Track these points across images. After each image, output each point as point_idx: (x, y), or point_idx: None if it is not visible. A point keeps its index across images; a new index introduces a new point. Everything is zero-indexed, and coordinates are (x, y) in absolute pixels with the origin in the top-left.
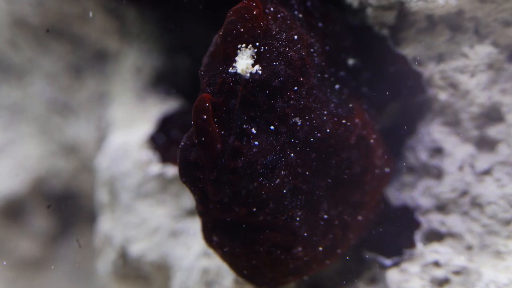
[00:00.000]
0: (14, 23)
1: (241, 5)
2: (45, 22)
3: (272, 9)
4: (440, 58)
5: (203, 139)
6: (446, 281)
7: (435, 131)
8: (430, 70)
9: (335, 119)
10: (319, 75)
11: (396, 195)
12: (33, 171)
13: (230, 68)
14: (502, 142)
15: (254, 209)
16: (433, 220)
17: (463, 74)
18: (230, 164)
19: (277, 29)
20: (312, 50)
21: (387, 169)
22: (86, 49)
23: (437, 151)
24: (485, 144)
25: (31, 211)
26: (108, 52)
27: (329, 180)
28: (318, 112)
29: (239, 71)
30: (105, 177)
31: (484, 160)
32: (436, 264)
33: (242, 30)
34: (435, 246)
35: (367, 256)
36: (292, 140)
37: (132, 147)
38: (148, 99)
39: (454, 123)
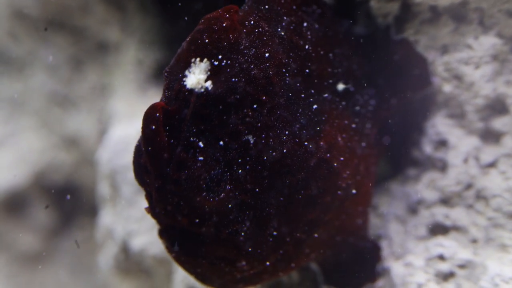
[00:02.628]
0: (14, 15)
1: (213, 15)
2: (46, 14)
3: (252, 22)
4: (444, 50)
5: (149, 148)
6: (451, 274)
7: (439, 124)
8: (435, 61)
9: (296, 140)
10: (290, 94)
11: (399, 189)
12: (34, 164)
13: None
14: (507, 135)
15: (197, 221)
16: (437, 213)
17: (468, 65)
18: (174, 175)
19: (247, 44)
20: (284, 70)
21: (353, 191)
22: (87, 41)
23: (442, 143)
24: (490, 136)
25: (32, 205)
26: (109, 44)
27: (281, 199)
28: (278, 132)
29: (188, 86)
30: (107, 170)
31: (489, 153)
32: (441, 257)
33: (207, 41)
34: (440, 239)
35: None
36: (242, 157)
37: (133, 140)
38: (149, 91)
39: (458, 115)
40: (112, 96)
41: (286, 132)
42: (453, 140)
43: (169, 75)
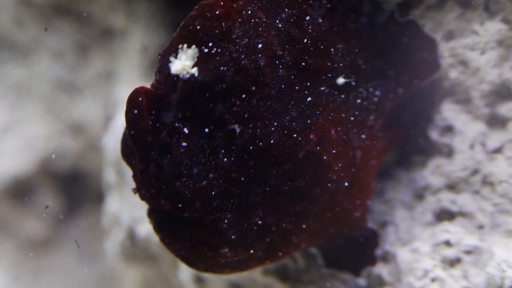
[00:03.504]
0: (19, 1)
1: (208, 1)
2: (51, 0)
3: (249, 12)
4: (450, 36)
5: (132, 132)
6: (457, 260)
7: (445, 109)
8: (440, 47)
9: (285, 131)
10: (283, 86)
11: (405, 175)
12: (40, 151)
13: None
14: None
15: (180, 205)
16: (444, 199)
17: (473, 51)
18: (157, 158)
19: (240, 34)
20: (277, 62)
21: (345, 184)
22: (92, 27)
23: (448, 129)
24: (496, 122)
25: (38, 191)
26: (115, 30)
27: (267, 189)
28: (266, 122)
29: (172, 71)
30: (113, 157)
31: (495, 138)
32: (447, 243)
33: (198, 27)
34: (446, 225)
35: (325, 271)
36: (228, 145)
37: None
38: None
39: (465, 101)
40: (118, 83)
41: (275, 123)
42: (459, 125)
43: (162, 58)
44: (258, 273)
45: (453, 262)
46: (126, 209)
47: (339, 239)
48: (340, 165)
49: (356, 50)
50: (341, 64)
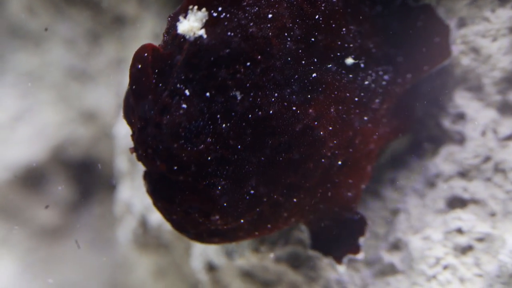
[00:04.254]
0: None
1: None
2: None
3: None
4: (462, 23)
5: (134, 87)
6: (469, 248)
7: (457, 97)
8: (452, 34)
9: (285, 103)
10: (289, 59)
11: (417, 162)
12: (52, 139)
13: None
14: None
15: (175, 168)
16: (455, 187)
17: (485, 38)
18: (156, 118)
19: (251, 2)
20: (286, 34)
21: (339, 162)
22: (104, 15)
23: (460, 116)
24: (508, 109)
25: (50, 179)
26: (126, 18)
27: (262, 158)
28: (267, 92)
29: (179, 31)
30: (124, 144)
31: (507, 126)
32: (459, 231)
33: None
34: (458, 213)
35: (310, 253)
36: (227, 111)
37: None
38: None
39: (476, 88)
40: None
41: (276, 95)
42: (471, 113)
43: (171, 20)
44: (270, 261)
45: (465, 250)
46: (138, 197)
47: (328, 219)
48: (335, 142)
49: (368, 34)
50: (351, 45)
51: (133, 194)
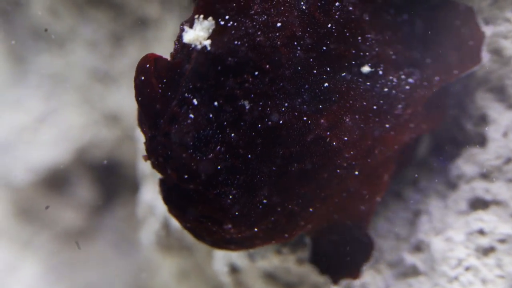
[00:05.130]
0: None
1: None
2: None
3: None
4: (484, 23)
5: (140, 98)
6: (491, 249)
7: (479, 98)
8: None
9: (296, 113)
10: (299, 68)
11: (438, 163)
12: (76, 141)
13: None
14: None
15: (186, 176)
16: (477, 188)
17: (506, 39)
18: (165, 127)
19: (259, 10)
20: (296, 43)
21: (356, 172)
22: (126, 17)
23: (481, 118)
24: None
25: (74, 181)
26: (149, 20)
27: (274, 168)
28: (277, 102)
29: (184, 40)
30: None
31: None
32: (481, 232)
33: None
34: (480, 214)
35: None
36: (236, 121)
37: None
38: None
39: (498, 90)
40: None
41: (286, 104)
42: (493, 114)
43: (182, 27)
44: (293, 263)
45: (487, 251)
46: (161, 199)
47: (337, 234)
48: (352, 152)
49: (389, 41)
50: (367, 53)
51: (155, 196)
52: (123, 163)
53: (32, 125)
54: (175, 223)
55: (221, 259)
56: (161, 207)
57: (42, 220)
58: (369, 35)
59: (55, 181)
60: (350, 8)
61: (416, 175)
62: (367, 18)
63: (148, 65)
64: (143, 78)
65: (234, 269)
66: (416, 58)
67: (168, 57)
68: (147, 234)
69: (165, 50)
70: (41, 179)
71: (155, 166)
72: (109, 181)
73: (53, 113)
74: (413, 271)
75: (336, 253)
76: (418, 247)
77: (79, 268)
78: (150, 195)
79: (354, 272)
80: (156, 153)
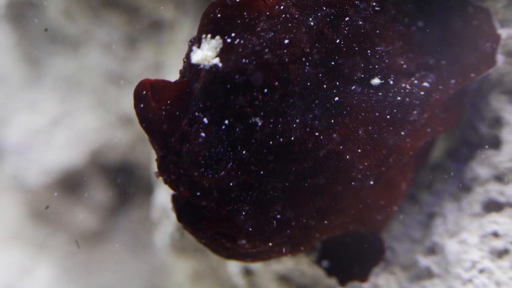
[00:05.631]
0: None
1: None
2: None
3: (282, 7)
4: (499, 25)
5: (144, 125)
6: (505, 251)
7: (493, 100)
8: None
9: (307, 129)
10: (308, 84)
11: (453, 166)
12: (91, 143)
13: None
14: None
15: (198, 194)
16: (491, 190)
17: None
18: (176, 146)
19: (265, 27)
20: (304, 59)
21: (371, 182)
22: (141, 19)
23: (496, 120)
24: None
25: (89, 184)
26: (164, 22)
27: (287, 184)
28: (288, 119)
29: (193, 61)
30: None
31: None
32: (495, 234)
33: (219, 15)
34: (494, 216)
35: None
36: (247, 138)
37: None
38: None
39: None
40: (167, 75)
41: (297, 120)
42: (507, 116)
43: (192, 44)
44: (307, 265)
45: (501, 253)
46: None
47: (349, 236)
48: (366, 164)
49: (400, 52)
50: (376, 66)
51: (169, 198)
52: (138, 165)
53: (47, 128)
54: None
55: (235, 262)
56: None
57: (57, 222)
58: (379, 48)
59: (70, 183)
60: (360, 22)
61: (431, 178)
62: (377, 32)
63: (144, 92)
64: (142, 105)
65: (248, 271)
66: (430, 63)
67: (176, 74)
68: (161, 236)
69: (179, 52)
70: (56, 181)
71: (167, 183)
72: (124, 183)
73: (68, 115)
74: (428, 274)
75: (346, 254)
76: (433, 250)
77: (94, 270)
78: (164, 197)
79: (363, 275)
80: (168, 171)
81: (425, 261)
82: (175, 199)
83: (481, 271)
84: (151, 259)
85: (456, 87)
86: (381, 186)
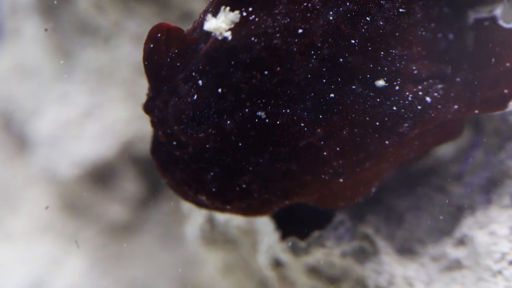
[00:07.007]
0: None
1: None
2: None
3: None
4: None
5: (146, 63)
6: None
7: None
8: None
9: (294, 118)
10: (309, 76)
11: (483, 158)
12: (121, 135)
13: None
14: None
15: (174, 143)
16: None
17: None
18: (165, 95)
19: (284, 11)
20: (313, 52)
21: (341, 180)
22: (172, 11)
23: None
24: None
25: (119, 175)
26: (194, 13)
27: (261, 160)
28: (280, 103)
29: (205, 27)
30: None
31: None
32: None
33: None
34: None
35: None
36: (235, 111)
37: None
38: None
39: None
40: None
41: (288, 107)
42: None
43: (205, 12)
44: (337, 257)
45: None
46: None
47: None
48: (341, 162)
49: (416, 57)
50: (385, 68)
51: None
52: None
53: (78, 120)
54: (219, 217)
55: (265, 253)
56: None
57: (88, 214)
58: (394, 51)
59: (101, 175)
60: (381, 22)
61: (460, 169)
62: (397, 34)
63: (159, 35)
64: (152, 45)
65: (277, 263)
66: (444, 73)
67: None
68: (191, 228)
69: None
70: (87, 173)
71: (150, 121)
72: (154, 175)
73: (98, 107)
74: (457, 265)
75: (297, 214)
76: (462, 241)
77: (125, 262)
78: None
79: (303, 234)
80: (153, 113)
81: (454, 252)
82: (154, 137)
83: (511, 262)
84: (182, 251)
85: (456, 114)
86: (351, 182)
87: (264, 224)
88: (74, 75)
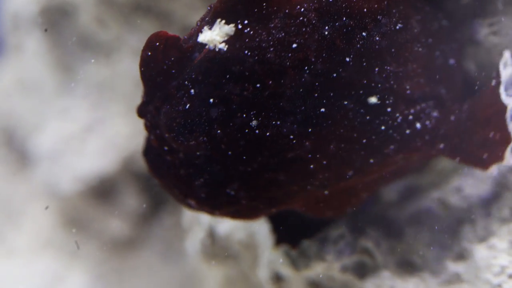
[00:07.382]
0: (101, 0)
1: None
2: None
3: (302, 10)
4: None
5: (143, 69)
6: None
7: None
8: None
9: (284, 130)
10: (301, 90)
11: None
12: (123, 150)
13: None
14: None
15: (165, 148)
16: None
17: None
18: (158, 102)
19: (279, 25)
20: (306, 67)
21: (326, 192)
22: (173, 25)
23: None
24: None
25: (121, 190)
26: None
27: (249, 169)
28: (270, 115)
29: (199, 39)
30: None
31: None
32: None
33: None
34: None
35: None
36: (225, 121)
37: None
38: None
39: None
40: None
41: (278, 119)
42: None
43: (201, 23)
44: (337, 271)
45: None
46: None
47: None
48: (326, 175)
49: (411, 75)
50: (379, 85)
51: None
52: None
53: (79, 135)
54: (220, 231)
55: (266, 268)
56: (206, 216)
57: (89, 229)
58: (388, 67)
59: (103, 190)
60: (377, 38)
61: (460, 183)
62: (392, 50)
63: (158, 43)
64: (149, 53)
65: (278, 278)
66: (439, 93)
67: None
68: (192, 243)
69: None
70: (88, 188)
71: (144, 124)
72: (156, 190)
73: (100, 122)
74: (457, 279)
75: (291, 221)
76: (462, 255)
77: (126, 277)
78: None
79: (295, 243)
80: (145, 117)
81: (454, 266)
82: (146, 140)
83: (511, 276)
84: (183, 266)
85: (440, 153)
86: (338, 192)
87: (265, 238)
88: (75, 89)
